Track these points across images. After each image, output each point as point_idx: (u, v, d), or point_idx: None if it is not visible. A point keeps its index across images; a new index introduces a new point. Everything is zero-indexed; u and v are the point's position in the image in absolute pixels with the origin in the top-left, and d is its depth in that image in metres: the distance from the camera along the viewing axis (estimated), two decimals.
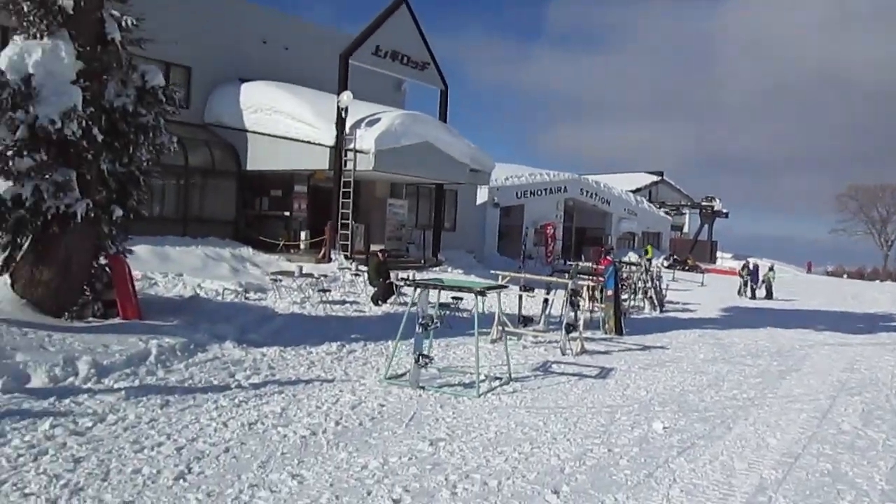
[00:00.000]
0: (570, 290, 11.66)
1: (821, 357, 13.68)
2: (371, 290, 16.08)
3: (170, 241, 19.80)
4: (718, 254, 55.60)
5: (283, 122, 21.58)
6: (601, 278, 15.73)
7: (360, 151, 20.17)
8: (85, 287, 10.94)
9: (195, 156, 21.88)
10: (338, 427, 6.96)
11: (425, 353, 8.62)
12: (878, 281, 51.91)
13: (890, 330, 19.18)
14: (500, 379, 9.43)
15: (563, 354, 11.60)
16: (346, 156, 20.40)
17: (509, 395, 8.63)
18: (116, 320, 10.69)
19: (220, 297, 14.39)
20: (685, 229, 61.58)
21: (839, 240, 70.80)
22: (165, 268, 17.06)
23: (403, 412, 7.60)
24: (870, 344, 16.18)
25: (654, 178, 61.02)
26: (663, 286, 20.68)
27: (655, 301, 19.55)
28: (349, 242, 20.53)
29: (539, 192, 38.17)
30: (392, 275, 15.81)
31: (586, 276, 15.48)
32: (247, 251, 21.15)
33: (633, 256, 43.89)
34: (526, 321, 12.74)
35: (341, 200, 20.57)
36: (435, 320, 8.66)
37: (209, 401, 7.50)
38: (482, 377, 9.43)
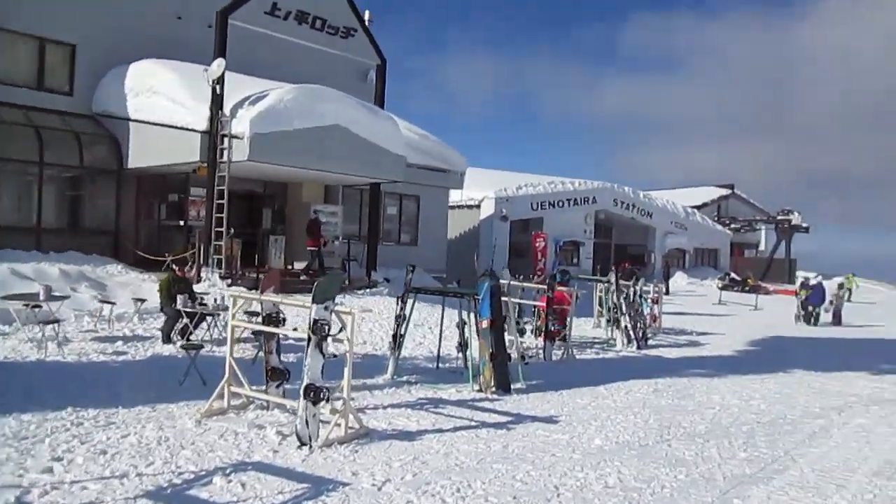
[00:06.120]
0: (311, 320, 6.20)
1: (850, 433, 7.71)
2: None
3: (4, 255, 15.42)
4: (799, 273, 48.24)
5: (161, 105, 16.82)
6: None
7: (235, 136, 15.21)
8: None
9: (57, 151, 17.36)
10: None
11: None
12: None
13: None
14: None
15: (301, 445, 6.13)
16: (221, 143, 15.49)
17: None
18: None
19: None
20: (761, 246, 54.32)
21: None
22: None
23: None
24: None
25: (724, 191, 53.95)
26: (655, 312, 14.66)
27: (631, 333, 13.61)
28: (223, 257, 15.51)
29: (561, 204, 32.55)
30: (180, 299, 10.49)
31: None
32: (113, 268, 16.45)
33: (681, 276, 37.34)
34: (275, 376, 7.25)
35: (215, 202, 15.61)
36: None
37: None
38: None
